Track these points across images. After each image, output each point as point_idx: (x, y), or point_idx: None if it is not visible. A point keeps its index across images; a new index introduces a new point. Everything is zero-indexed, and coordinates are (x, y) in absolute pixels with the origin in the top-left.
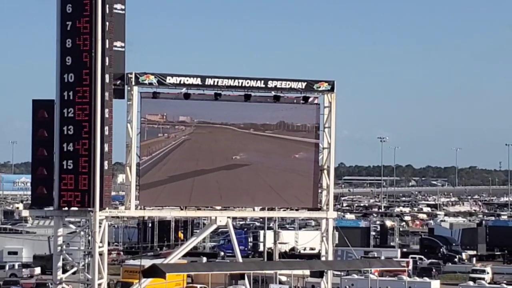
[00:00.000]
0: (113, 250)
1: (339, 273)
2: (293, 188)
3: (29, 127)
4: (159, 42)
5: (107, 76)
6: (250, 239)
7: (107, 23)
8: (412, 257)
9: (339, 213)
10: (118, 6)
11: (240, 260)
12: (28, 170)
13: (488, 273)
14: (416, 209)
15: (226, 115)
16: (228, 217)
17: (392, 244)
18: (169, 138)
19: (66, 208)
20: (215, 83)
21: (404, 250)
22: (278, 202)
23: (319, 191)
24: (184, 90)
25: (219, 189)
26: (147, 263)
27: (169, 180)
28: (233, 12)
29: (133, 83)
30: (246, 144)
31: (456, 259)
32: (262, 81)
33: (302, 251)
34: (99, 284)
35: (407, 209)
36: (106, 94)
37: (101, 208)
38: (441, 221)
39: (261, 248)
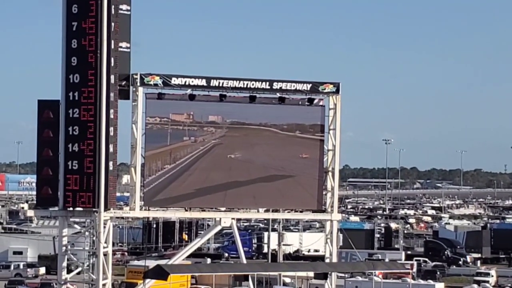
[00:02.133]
0: (117, 251)
1: (343, 275)
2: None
3: (35, 128)
4: (164, 43)
5: (112, 76)
6: (254, 241)
7: (113, 23)
8: (416, 260)
9: (343, 215)
10: (124, 7)
11: (244, 261)
12: (33, 170)
13: (492, 276)
14: (420, 211)
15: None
16: (233, 218)
17: (396, 246)
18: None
19: (71, 209)
20: (220, 84)
21: (409, 252)
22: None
23: (324, 193)
24: (189, 91)
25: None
26: (151, 263)
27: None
28: (238, 13)
29: (138, 84)
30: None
31: (460, 262)
32: (267, 83)
33: (306, 253)
34: (104, 285)
35: (411, 212)
36: (111, 94)
37: (106, 208)
38: (446, 223)
39: (265, 250)
